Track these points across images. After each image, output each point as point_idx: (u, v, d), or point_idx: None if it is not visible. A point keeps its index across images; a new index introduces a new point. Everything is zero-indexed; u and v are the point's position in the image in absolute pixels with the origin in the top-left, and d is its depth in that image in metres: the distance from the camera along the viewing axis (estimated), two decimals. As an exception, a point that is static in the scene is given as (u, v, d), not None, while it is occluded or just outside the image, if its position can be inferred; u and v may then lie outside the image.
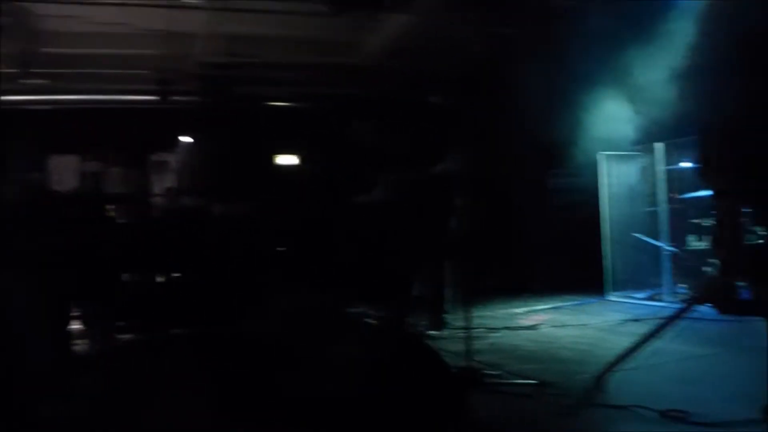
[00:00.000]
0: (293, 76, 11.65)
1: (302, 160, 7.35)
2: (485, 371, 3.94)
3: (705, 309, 5.73)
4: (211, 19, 9.15)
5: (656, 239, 6.70)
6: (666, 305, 6.27)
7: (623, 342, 4.72)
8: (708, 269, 6.00)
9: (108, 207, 7.80)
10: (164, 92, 11.53)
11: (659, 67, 7.05)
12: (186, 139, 13.43)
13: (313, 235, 8.97)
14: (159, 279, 7.84)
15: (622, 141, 6.93)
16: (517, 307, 6.84)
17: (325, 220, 7.89)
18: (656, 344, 4.59)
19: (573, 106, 8.05)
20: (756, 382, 3.09)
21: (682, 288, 6.62)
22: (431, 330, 5.36)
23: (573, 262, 8.42)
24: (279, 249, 9.49)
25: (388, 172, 6.54)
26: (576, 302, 6.89)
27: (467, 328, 4.19)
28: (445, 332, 5.42)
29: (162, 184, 13.79)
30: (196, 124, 13.02)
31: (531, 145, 8.46)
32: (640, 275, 7.27)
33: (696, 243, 6.39)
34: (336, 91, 12.32)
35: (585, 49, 8.32)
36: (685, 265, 6.52)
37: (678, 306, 6.10)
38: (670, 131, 6.22)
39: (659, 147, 6.33)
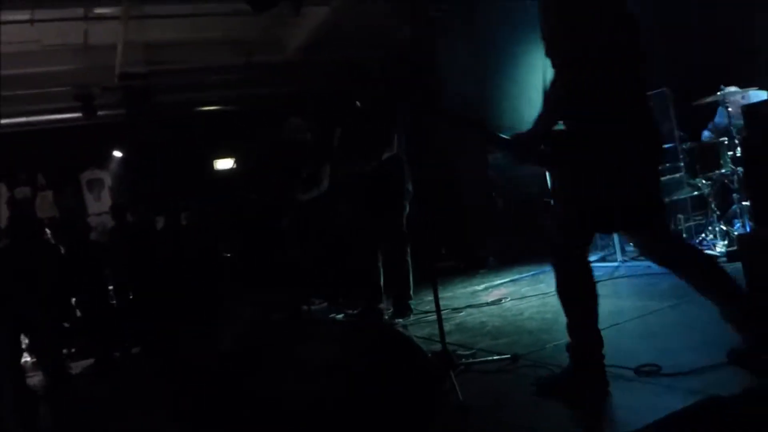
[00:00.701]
0: (218, 78, 11.44)
1: (238, 162, 7.23)
2: (458, 352, 3.95)
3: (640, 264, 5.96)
4: (129, 28, 8.88)
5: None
6: (618, 264, 6.43)
7: (585, 305, 4.87)
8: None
9: (43, 232, 7.52)
10: (88, 108, 11.14)
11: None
12: (117, 153, 13.08)
13: (260, 237, 8.85)
14: (108, 299, 7.64)
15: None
16: (477, 285, 6.90)
17: (269, 220, 7.79)
18: (616, 303, 4.74)
19: (505, 83, 8.21)
20: (716, 329, 3.18)
21: (630, 246, 6.79)
22: (398, 317, 5.36)
23: (524, 233, 8.59)
24: (225, 255, 9.36)
25: (329, 165, 6.50)
26: (533, 272, 6.99)
27: (432, 311, 4.21)
28: (412, 318, 5.43)
29: (97, 201, 13.42)
30: (125, 137, 12.66)
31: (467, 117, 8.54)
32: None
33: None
34: (263, 90, 12.18)
35: (509, 26, 8.50)
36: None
37: (628, 263, 6.35)
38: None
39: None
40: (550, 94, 2.81)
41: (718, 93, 5.91)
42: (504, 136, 3.07)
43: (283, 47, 10.76)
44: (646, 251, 3.21)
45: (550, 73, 2.89)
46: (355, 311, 5.70)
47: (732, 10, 6.62)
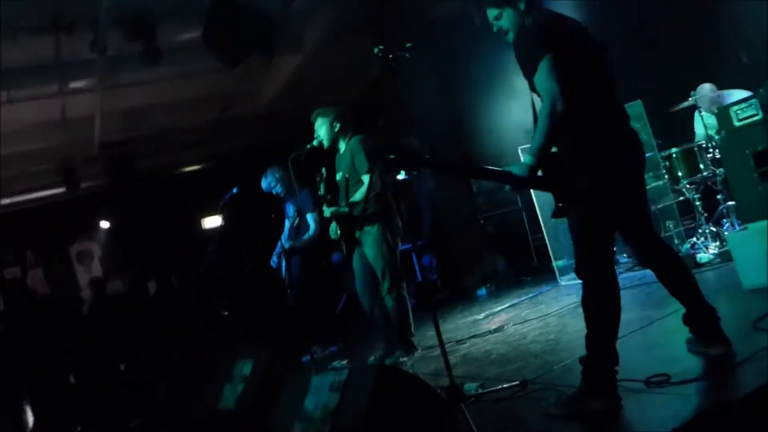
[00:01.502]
0: (197, 136, 11.51)
1: (224, 218, 7.25)
2: (467, 384, 3.92)
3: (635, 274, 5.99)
4: (105, 98, 8.95)
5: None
6: (615, 277, 6.44)
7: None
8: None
9: (37, 312, 7.47)
10: (70, 182, 11.17)
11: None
12: (104, 223, 13.08)
13: (255, 290, 8.83)
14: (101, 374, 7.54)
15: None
16: (477, 313, 6.88)
17: (263, 272, 7.78)
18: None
19: (483, 114, 8.35)
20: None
21: (624, 257, 6.83)
22: (404, 356, 5.32)
23: (518, 255, 8.63)
24: (223, 312, 9.32)
25: (316, 211, 6.52)
26: (531, 294, 6.99)
27: (436, 346, 4.18)
28: (417, 354, 5.39)
29: (88, 273, 13.37)
30: (111, 206, 12.68)
31: (445, 150, 8.64)
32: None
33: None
34: (241, 142, 12.27)
35: (474, 56, 8.69)
36: (620, 237, 6.73)
37: (624, 275, 6.36)
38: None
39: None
40: (545, 126, 2.94)
41: (690, 98, 6.02)
42: (503, 169, 3.17)
43: (258, 98, 10.88)
44: (634, 248, 3.49)
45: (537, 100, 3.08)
46: (373, 357, 5.65)
47: (698, 21, 6.80)
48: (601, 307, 3.14)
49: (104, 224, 13.31)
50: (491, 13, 3.25)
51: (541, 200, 7.24)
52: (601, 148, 3.03)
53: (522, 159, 3.14)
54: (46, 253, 13.07)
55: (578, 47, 3.07)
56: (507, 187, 3.24)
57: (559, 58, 2.94)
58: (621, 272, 6.44)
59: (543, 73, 2.95)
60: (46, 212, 12.25)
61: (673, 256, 3.40)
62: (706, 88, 6.19)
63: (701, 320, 3.27)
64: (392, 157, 3.53)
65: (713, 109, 6.04)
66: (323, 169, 5.50)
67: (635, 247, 3.46)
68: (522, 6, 3.16)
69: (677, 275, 3.30)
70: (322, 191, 5.48)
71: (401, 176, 5.27)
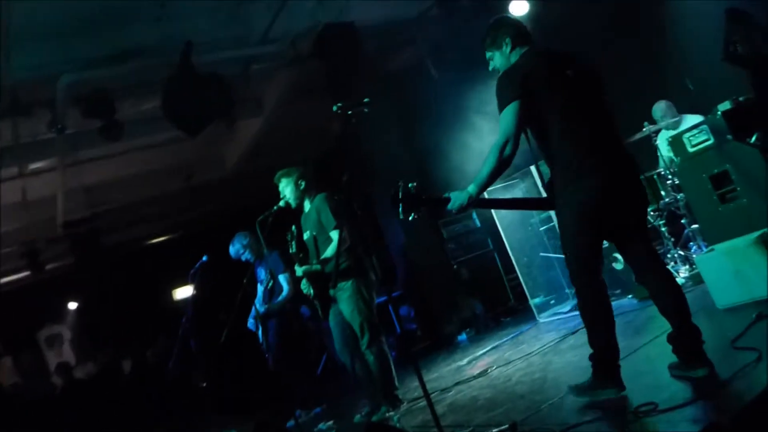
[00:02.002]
0: (162, 207, 11.45)
1: (196, 287, 7.15)
2: (457, 432, 3.87)
3: (628, 302, 6.05)
4: (66, 176, 8.88)
5: (560, 252, 6.96)
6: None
7: (569, 358, 4.87)
8: (615, 264, 6.32)
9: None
10: (34, 264, 10.96)
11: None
12: (72, 304, 12.79)
13: (233, 358, 8.66)
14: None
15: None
16: (459, 360, 6.82)
17: (240, 339, 7.65)
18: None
19: (441, 154, 8.48)
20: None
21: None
22: (390, 411, 5.22)
23: (496, 298, 8.64)
24: (201, 385, 9.09)
25: (288, 271, 6.47)
26: (512, 335, 6.97)
27: (422, 397, 4.13)
28: (403, 407, 5.30)
29: (59, 357, 12.97)
30: (78, 286, 12.41)
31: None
32: (559, 290, 7.52)
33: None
34: (208, 208, 12.22)
35: (430, 103, 8.92)
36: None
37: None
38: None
39: (534, 169, 6.67)
40: (492, 161, 3.36)
41: (644, 129, 6.19)
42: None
43: (221, 164, 10.90)
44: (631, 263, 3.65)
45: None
46: (359, 415, 5.53)
47: (647, 50, 7.06)
48: (594, 310, 3.47)
49: (72, 305, 13.01)
50: (487, 54, 3.69)
51: (511, 240, 7.31)
52: (574, 177, 3.33)
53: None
54: (14, 340, 12.69)
55: (553, 89, 3.35)
56: (453, 209, 3.56)
57: (529, 103, 3.29)
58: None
59: (506, 115, 3.32)
60: (11, 298, 11.93)
61: (668, 273, 3.53)
62: (662, 105, 6.41)
63: (687, 340, 3.35)
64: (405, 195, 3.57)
65: (671, 124, 6.27)
66: (293, 228, 5.49)
67: (632, 262, 3.59)
68: (507, 50, 3.57)
69: (670, 293, 3.41)
70: (294, 249, 5.46)
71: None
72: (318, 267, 5.31)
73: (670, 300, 3.40)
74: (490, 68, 3.71)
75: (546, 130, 3.37)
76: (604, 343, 3.44)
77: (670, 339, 3.44)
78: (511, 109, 3.30)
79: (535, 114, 3.34)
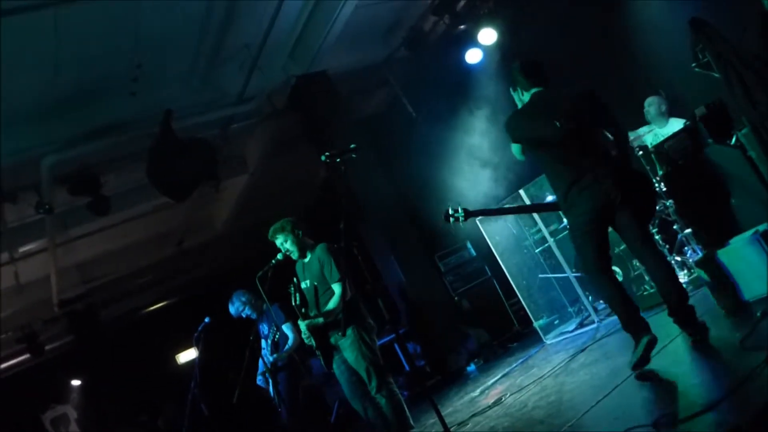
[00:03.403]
0: (158, 274, 11.41)
1: (200, 350, 7.07)
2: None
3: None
4: (58, 256, 8.86)
5: (559, 272, 7.00)
6: (596, 325, 6.48)
7: (581, 377, 4.85)
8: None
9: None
10: (33, 347, 10.84)
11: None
12: (76, 381, 12.59)
13: (247, 417, 8.55)
14: None
15: (488, 200, 7.34)
16: (472, 391, 6.77)
17: (253, 396, 7.57)
18: (609, 364, 4.75)
19: (431, 190, 8.54)
20: (710, 361, 3.23)
21: (601, 304, 6.89)
22: (408, 451, 5.16)
23: (500, 324, 8.61)
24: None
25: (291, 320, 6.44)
26: (521, 360, 6.94)
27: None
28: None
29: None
30: (80, 363, 12.26)
31: (405, 238, 8.76)
32: (562, 310, 7.52)
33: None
34: (202, 271, 12.19)
35: (413, 139, 9.03)
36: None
37: (606, 320, 6.42)
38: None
39: (523, 192, 6.74)
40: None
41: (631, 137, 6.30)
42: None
43: (211, 225, 10.92)
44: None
45: None
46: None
47: (622, 61, 7.20)
48: (612, 299, 4.23)
49: (76, 383, 12.82)
50: (511, 90, 4.45)
51: (509, 265, 7.32)
52: (566, 193, 4.12)
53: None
54: (18, 425, 12.45)
55: (543, 139, 4.16)
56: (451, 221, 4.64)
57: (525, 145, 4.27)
58: (602, 320, 6.50)
59: (513, 148, 4.35)
60: (13, 383, 11.76)
61: (660, 255, 4.30)
62: (653, 100, 6.51)
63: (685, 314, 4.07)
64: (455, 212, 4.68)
65: (661, 120, 6.37)
66: (295, 279, 5.48)
67: (642, 258, 4.38)
68: (520, 92, 4.38)
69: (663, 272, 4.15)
70: (298, 302, 5.44)
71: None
72: (320, 320, 5.29)
73: (672, 286, 4.09)
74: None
75: (543, 164, 4.27)
76: (625, 317, 4.19)
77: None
78: (514, 147, 4.33)
79: (533, 149, 4.25)
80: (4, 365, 11.52)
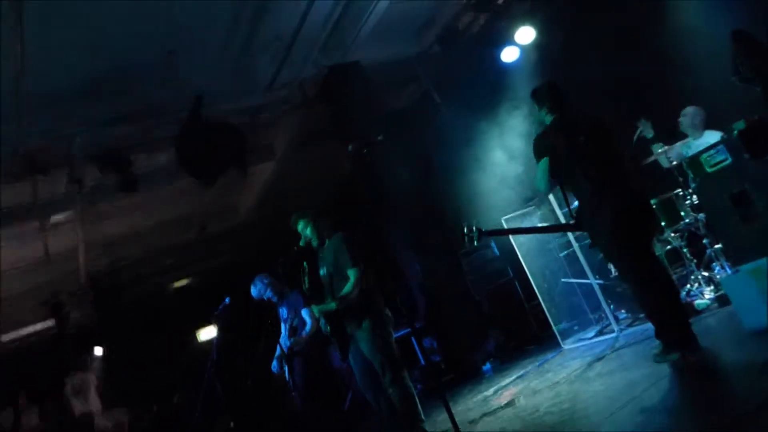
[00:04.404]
0: (181, 257, 11.53)
1: (219, 329, 7.16)
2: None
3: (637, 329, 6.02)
4: (86, 229, 9.00)
5: (582, 278, 6.93)
6: (616, 334, 6.41)
7: (596, 386, 4.81)
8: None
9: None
10: (60, 317, 11.06)
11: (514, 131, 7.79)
12: (98, 350, 12.81)
13: (259, 402, 8.64)
14: None
15: (515, 201, 7.28)
16: (485, 390, 6.75)
17: (262, 380, 7.65)
18: (626, 376, 4.70)
19: (457, 188, 8.50)
20: (728, 373, 3.18)
21: (622, 313, 6.81)
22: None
23: (519, 326, 8.56)
24: (230, 426, 9.06)
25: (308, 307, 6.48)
26: (537, 363, 6.90)
27: (449, 430, 4.10)
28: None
29: (85, 405, 12.95)
30: (103, 335, 12.47)
31: (428, 234, 8.72)
32: (582, 316, 7.45)
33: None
34: (225, 258, 12.27)
35: (441, 136, 8.97)
36: (616, 292, 6.75)
37: (626, 331, 6.34)
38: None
39: (551, 196, 6.66)
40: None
41: (659, 150, 6.19)
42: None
43: (237, 211, 10.99)
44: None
45: None
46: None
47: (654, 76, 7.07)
48: (648, 298, 4.43)
49: (98, 352, 13.05)
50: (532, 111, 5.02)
51: (531, 267, 7.26)
52: (602, 200, 4.46)
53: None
54: (40, 391, 12.73)
55: (570, 153, 4.56)
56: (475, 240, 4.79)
57: (553, 160, 4.59)
58: (622, 329, 6.42)
59: (540, 165, 4.69)
60: (36, 350, 12.02)
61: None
62: (690, 110, 6.39)
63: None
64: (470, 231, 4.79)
65: (696, 132, 6.25)
66: (305, 264, 5.54)
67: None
68: (543, 113, 4.84)
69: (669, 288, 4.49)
70: (306, 285, 5.52)
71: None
72: (333, 306, 5.33)
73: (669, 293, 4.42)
74: (534, 121, 5.06)
75: (571, 176, 4.62)
76: (670, 317, 4.33)
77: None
78: (542, 163, 4.67)
79: (560, 164, 4.61)
80: (30, 330, 11.78)
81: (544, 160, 4.63)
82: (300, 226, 5.61)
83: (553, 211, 6.68)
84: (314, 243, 5.57)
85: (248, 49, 6.83)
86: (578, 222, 4.78)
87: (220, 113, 7.19)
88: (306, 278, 5.49)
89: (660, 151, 6.22)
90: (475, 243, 4.83)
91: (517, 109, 7.87)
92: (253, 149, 7.88)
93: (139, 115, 6.79)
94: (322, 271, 5.57)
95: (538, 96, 4.90)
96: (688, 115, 6.37)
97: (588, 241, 6.09)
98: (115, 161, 6.82)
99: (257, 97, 7.76)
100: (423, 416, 5.36)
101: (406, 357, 5.52)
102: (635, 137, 6.26)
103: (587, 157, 4.55)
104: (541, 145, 4.71)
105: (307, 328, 6.65)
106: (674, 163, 6.08)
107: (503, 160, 7.90)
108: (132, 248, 10.36)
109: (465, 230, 4.80)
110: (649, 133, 6.29)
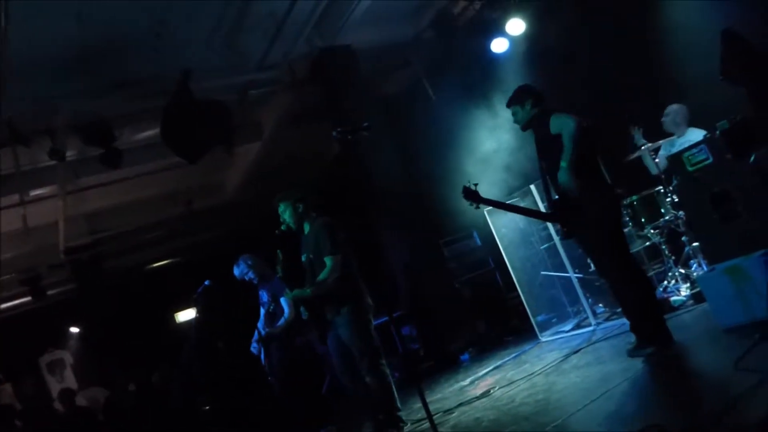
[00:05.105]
0: (164, 232, 11.44)
1: (199, 311, 7.12)
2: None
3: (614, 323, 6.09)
4: (68, 203, 8.90)
5: (562, 271, 6.97)
6: (593, 328, 6.46)
7: (572, 378, 4.85)
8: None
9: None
10: (36, 290, 10.94)
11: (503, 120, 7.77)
12: (75, 329, 12.75)
13: (236, 382, 8.63)
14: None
15: (498, 191, 7.28)
16: (462, 380, 6.79)
17: (242, 363, 7.63)
18: (601, 369, 4.75)
19: (443, 176, 8.49)
20: (704, 374, 3.22)
21: (600, 307, 6.87)
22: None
23: (498, 317, 8.61)
24: (204, 408, 9.05)
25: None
26: (514, 354, 6.95)
27: (425, 418, 4.12)
28: (406, 429, 5.28)
29: (60, 383, 12.88)
30: (80, 311, 12.39)
31: (413, 221, 8.73)
32: (561, 309, 7.50)
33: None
34: (207, 235, 12.19)
35: (429, 123, 8.96)
36: (595, 286, 6.80)
37: (603, 325, 6.40)
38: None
39: (534, 187, 6.68)
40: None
41: (642, 147, 6.22)
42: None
43: (221, 189, 10.93)
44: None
45: None
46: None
47: (639, 72, 7.09)
48: (627, 293, 4.52)
49: (74, 330, 12.97)
50: (511, 109, 4.93)
51: (512, 259, 7.29)
52: (593, 192, 4.49)
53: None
54: (15, 367, 12.62)
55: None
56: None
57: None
58: (599, 323, 6.48)
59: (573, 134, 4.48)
60: (12, 324, 11.90)
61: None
62: (673, 108, 6.41)
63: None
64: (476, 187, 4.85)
65: (678, 129, 6.28)
66: (279, 252, 5.51)
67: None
68: (528, 107, 4.82)
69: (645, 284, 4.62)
70: (280, 273, 5.51)
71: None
72: (308, 292, 5.32)
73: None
74: (514, 121, 4.97)
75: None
76: (646, 312, 4.45)
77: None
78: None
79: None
80: (5, 306, 11.65)
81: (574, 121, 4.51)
82: (280, 209, 5.58)
83: (535, 203, 6.70)
84: (292, 226, 5.54)
85: (241, 23, 6.77)
86: (554, 213, 4.83)
87: (209, 89, 7.12)
88: (279, 267, 5.49)
89: (644, 148, 6.24)
90: (471, 206, 4.88)
91: (502, 99, 7.86)
92: (240, 128, 7.82)
93: (125, 88, 6.71)
94: (304, 257, 5.56)
95: (517, 96, 4.90)
96: (671, 113, 6.40)
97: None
98: (100, 134, 6.73)
99: (247, 74, 7.69)
100: (399, 404, 5.39)
101: (384, 345, 5.52)
102: (634, 142, 6.32)
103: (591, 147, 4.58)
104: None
105: (285, 316, 6.64)
106: (662, 168, 6.15)
107: (491, 150, 7.90)
108: (115, 222, 10.28)
109: (472, 186, 4.85)
110: (640, 141, 6.32)
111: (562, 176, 4.46)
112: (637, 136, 6.36)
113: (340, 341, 5.36)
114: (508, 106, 4.95)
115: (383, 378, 5.30)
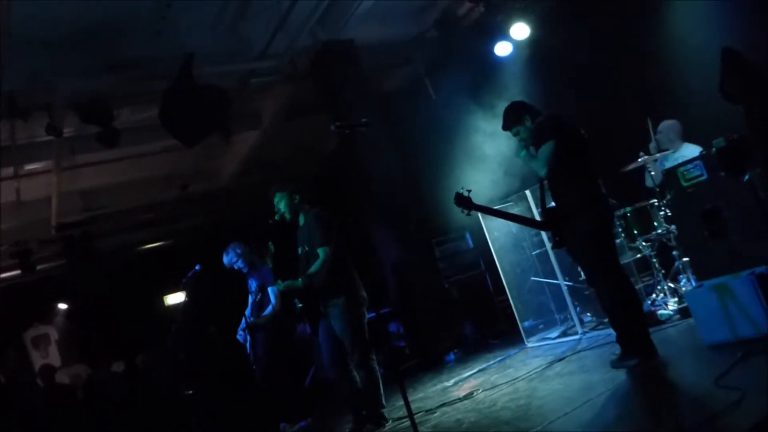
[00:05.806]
0: (157, 215, 11.43)
1: (187, 295, 7.12)
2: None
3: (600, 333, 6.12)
4: (62, 179, 8.88)
5: (552, 278, 6.99)
6: (579, 337, 6.49)
7: (555, 386, 4.88)
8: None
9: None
10: (25, 264, 10.91)
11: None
12: (62, 305, 12.70)
13: (222, 369, 8.63)
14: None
15: (494, 195, 7.30)
16: (446, 380, 6.81)
17: (230, 350, 7.63)
18: (584, 378, 4.78)
19: (439, 175, 8.51)
20: (690, 385, 3.24)
21: (587, 316, 6.90)
22: (374, 430, 5.22)
23: (485, 319, 8.63)
24: (187, 392, 9.05)
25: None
26: (499, 358, 6.97)
27: (406, 417, 4.14)
28: (388, 426, 5.30)
29: (45, 358, 12.85)
30: (69, 287, 12.35)
31: (406, 219, 8.74)
32: (548, 315, 7.52)
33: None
34: (200, 219, 12.18)
35: (427, 121, 8.96)
36: (583, 295, 6.82)
37: (589, 334, 6.43)
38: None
39: (529, 193, 6.70)
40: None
41: (639, 159, 6.24)
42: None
43: (217, 176, 10.91)
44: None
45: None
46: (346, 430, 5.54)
47: (637, 85, 7.11)
48: (615, 304, 4.53)
49: (62, 306, 12.93)
50: (512, 130, 4.84)
51: (503, 262, 7.31)
52: (586, 203, 4.53)
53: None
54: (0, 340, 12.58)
55: (571, 138, 4.62)
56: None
57: (560, 143, 4.51)
58: (586, 332, 6.51)
59: (546, 150, 4.53)
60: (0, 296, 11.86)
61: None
62: (666, 125, 6.42)
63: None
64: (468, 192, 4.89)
65: (672, 145, 6.29)
66: (270, 244, 5.51)
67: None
68: (528, 123, 4.78)
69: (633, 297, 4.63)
70: (270, 265, 5.50)
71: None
72: (299, 283, 5.32)
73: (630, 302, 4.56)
74: (518, 139, 4.84)
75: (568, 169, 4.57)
76: (631, 327, 4.46)
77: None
78: (548, 146, 4.54)
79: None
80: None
81: (551, 143, 4.52)
82: (275, 199, 5.58)
83: (529, 209, 6.72)
84: (287, 217, 5.54)
85: (245, 11, 6.75)
86: (547, 222, 4.83)
87: (210, 74, 7.10)
88: (269, 259, 5.48)
89: (641, 161, 6.27)
90: (462, 212, 4.94)
91: (502, 103, 7.87)
92: (239, 115, 7.80)
93: (126, 68, 6.69)
94: (300, 249, 5.56)
95: (515, 117, 4.86)
96: (664, 130, 6.42)
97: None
98: (98, 113, 6.70)
99: (249, 62, 7.68)
100: (384, 401, 5.41)
101: (374, 340, 5.54)
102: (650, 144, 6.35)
103: (585, 155, 4.66)
104: (548, 129, 4.62)
105: (269, 308, 6.65)
106: (657, 182, 6.17)
107: (488, 153, 7.91)
108: (109, 201, 10.26)
109: (465, 193, 4.90)
110: (652, 149, 6.35)
111: (523, 156, 4.72)
112: (653, 145, 6.37)
113: (332, 333, 5.36)
114: (507, 129, 4.90)
115: (372, 373, 5.32)
